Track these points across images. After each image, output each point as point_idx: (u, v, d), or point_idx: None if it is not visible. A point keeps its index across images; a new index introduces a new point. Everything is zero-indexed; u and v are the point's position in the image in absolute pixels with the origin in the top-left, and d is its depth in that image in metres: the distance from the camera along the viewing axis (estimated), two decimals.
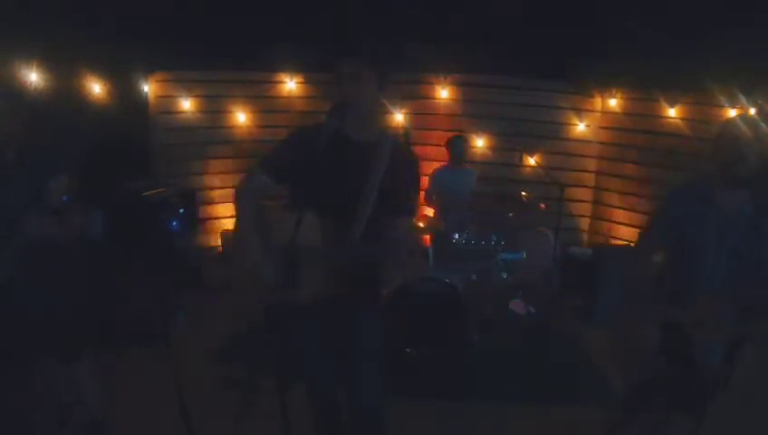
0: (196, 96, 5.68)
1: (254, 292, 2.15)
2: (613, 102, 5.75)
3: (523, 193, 5.10)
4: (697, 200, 2.19)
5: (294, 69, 5.85)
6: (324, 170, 1.94)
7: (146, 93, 5.52)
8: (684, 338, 2.09)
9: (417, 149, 5.80)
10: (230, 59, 5.37)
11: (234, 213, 2.29)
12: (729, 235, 2.12)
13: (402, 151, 2.18)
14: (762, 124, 2.18)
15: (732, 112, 4.88)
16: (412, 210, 2.20)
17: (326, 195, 1.96)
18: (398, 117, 5.86)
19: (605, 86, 5.75)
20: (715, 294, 2.13)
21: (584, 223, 6.13)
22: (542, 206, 4.89)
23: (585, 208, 6.10)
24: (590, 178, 6.03)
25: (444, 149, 5.18)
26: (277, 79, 5.92)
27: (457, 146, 5.04)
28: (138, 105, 5.42)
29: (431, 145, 5.87)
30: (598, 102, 5.89)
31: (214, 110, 5.80)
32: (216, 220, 5.94)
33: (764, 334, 1.93)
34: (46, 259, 2.47)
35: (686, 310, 2.13)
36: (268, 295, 2.00)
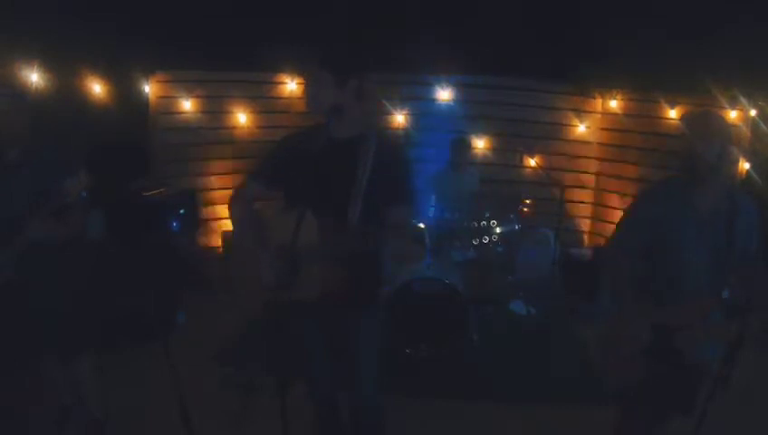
0: (197, 96, 5.69)
1: (254, 292, 2.16)
2: (613, 104, 5.76)
3: (528, 201, 5.11)
4: (672, 199, 2.17)
5: (294, 69, 5.85)
6: (314, 171, 1.97)
7: (146, 94, 5.52)
8: (670, 338, 2.09)
9: (418, 151, 5.85)
10: (230, 59, 5.38)
11: (230, 218, 2.33)
12: (706, 233, 2.11)
13: (387, 144, 2.22)
14: (721, 119, 2.16)
15: (732, 113, 4.90)
16: (409, 197, 2.20)
17: (318, 194, 1.98)
18: (399, 118, 5.86)
19: (605, 87, 5.75)
20: (697, 293, 2.13)
21: (584, 224, 6.13)
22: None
23: (585, 209, 6.10)
24: (590, 180, 6.04)
25: (445, 150, 5.18)
26: (277, 79, 5.93)
27: (458, 148, 5.04)
28: (138, 105, 5.42)
29: (431, 146, 5.87)
30: (598, 104, 5.90)
31: (214, 110, 5.80)
32: (217, 221, 5.94)
33: (751, 331, 1.92)
34: (47, 259, 2.47)
35: (669, 310, 2.13)
36: (268, 295, 2.00)
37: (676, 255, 2.15)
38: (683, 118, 2.21)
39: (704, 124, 2.10)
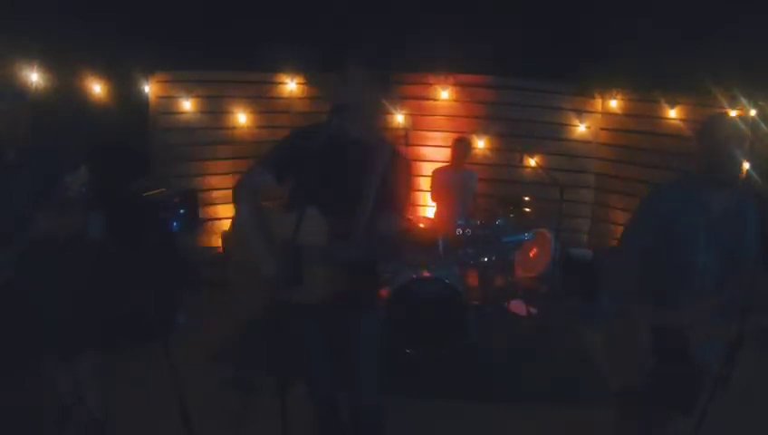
0: (197, 96, 5.69)
1: (254, 292, 2.16)
2: (614, 104, 5.76)
3: (526, 198, 5.10)
4: (683, 199, 2.18)
5: (294, 69, 5.86)
6: (324, 169, 1.96)
7: (146, 94, 5.52)
8: (673, 338, 2.09)
9: (418, 150, 5.85)
10: (230, 59, 5.38)
11: (233, 211, 2.30)
12: (716, 233, 2.12)
13: (396, 152, 2.21)
14: (742, 123, 2.17)
15: (732, 113, 4.89)
16: (402, 207, 2.22)
17: (327, 193, 1.98)
18: (399, 117, 5.87)
19: (605, 87, 5.76)
20: (702, 293, 2.13)
21: (585, 224, 6.13)
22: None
23: (586, 210, 6.10)
24: (590, 180, 6.04)
25: (445, 149, 5.19)
26: (277, 79, 5.93)
27: (459, 148, 5.05)
28: (138, 105, 5.42)
29: (431, 146, 5.88)
30: (598, 104, 5.90)
31: (214, 110, 5.80)
32: (217, 221, 5.94)
33: (755, 332, 1.93)
34: (47, 259, 2.47)
35: (673, 310, 2.13)
36: (268, 295, 2.00)
37: (683, 254, 2.15)
38: (704, 122, 2.22)
39: (718, 126, 2.12)
